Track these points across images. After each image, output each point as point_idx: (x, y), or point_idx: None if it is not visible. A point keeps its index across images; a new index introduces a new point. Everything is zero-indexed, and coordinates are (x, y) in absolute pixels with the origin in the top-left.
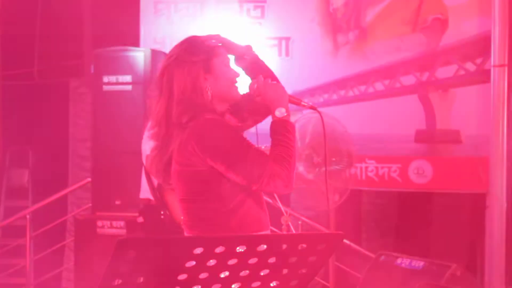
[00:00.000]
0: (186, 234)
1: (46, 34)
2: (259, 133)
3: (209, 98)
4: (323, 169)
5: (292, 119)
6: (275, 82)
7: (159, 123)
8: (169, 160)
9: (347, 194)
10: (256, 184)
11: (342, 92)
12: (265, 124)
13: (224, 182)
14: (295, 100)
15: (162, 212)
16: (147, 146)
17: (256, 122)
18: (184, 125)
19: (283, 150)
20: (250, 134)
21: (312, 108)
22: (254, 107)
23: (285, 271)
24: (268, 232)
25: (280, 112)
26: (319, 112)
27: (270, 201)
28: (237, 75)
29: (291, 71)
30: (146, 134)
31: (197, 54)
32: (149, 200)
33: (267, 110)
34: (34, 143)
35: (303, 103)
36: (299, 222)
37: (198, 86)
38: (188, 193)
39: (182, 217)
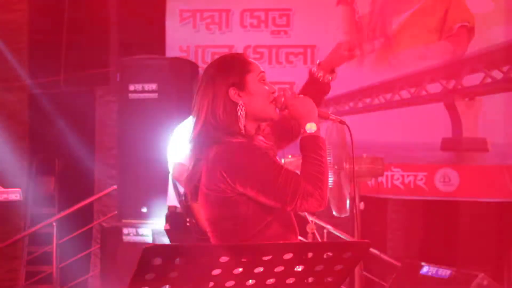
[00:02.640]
0: (212, 242)
1: (73, 43)
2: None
3: (243, 118)
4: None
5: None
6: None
7: (192, 146)
8: (198, 182)
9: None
10: (290, 206)
11: (368, 100)
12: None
13: (252, 207)
14: (324, 114)
15: (188, 220)
16: (174, 154)
17: (289, 142)
18: (210, 146)
19: (315, 169)
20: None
21: (341, 122)
22: (282, 125)
23: (311, 279)
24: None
25: (311, 127)
26: (348, 126)
27: (300, 212)
28: (274, 90)
29: None
30: (172, 142)
31: (229, 72)
32: (175, 207)
33: (296, 128)
34: (60, 151)
35: (331, 117)
36: (325, 231)
37: (231, 105)
38: (215, 216)
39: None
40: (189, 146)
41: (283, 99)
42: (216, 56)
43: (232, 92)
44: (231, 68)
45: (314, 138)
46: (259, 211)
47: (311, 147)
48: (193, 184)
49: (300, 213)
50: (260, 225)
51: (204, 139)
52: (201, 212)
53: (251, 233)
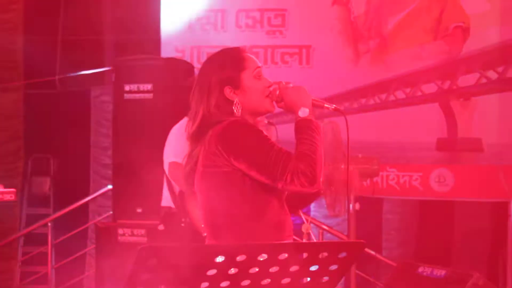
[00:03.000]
0: (207, 242)
1: (68, 43)
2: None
3: (239, 114)
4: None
5: None
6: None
7: (191, 141)
8: (195, 165)
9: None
10: (280, 182)
11: (363, 100)
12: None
13: (248, 184)
14: (318, 103)
15: (183, 220)
16: (169, 154)
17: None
18: (207, 132)
19: (306, 148)
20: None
21: (336, 110)
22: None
23: (306, 279)
24: (291, 238)
25: (303, 112)
26: (344, 114)
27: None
28: (269, 84)
29: (311, 80)
30: (168, 142)
31: (224, 70)
32: (170, 208)
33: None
34: (55, 151)
35: (326, 105)
36: (320, 231)
37: (226, 103)
38: (210, 197)
39: (202, 225)
40: (187, 142)
41: (278, 92)
42: None
43: (228, 90)
44: (226, 66)
45: (306, 121)
46: (254, 190)
47: (303, 129)
48: (189, 166)
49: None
50: (256, 206)
51: (201, 131)
52: (196, 212)
53: (247, 216)
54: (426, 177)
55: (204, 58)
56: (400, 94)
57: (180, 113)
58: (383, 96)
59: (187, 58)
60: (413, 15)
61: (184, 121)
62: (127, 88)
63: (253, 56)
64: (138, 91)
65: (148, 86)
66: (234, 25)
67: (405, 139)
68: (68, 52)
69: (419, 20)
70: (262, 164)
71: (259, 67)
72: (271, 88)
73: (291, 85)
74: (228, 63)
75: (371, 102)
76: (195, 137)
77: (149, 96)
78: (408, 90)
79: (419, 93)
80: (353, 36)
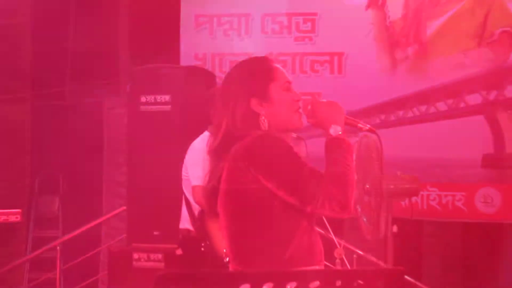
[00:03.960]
0: (230, 268)
1: (79, 51)
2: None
3: (265, 129)
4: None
5: None
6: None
7: (213, 156)
8: (218, 183)
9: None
10: (310, 205)
11: (401, 113)
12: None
13: (276, 205)
14: (352, 121)
15: (203, 244)
16: (193, 175)
17: None
18: (231, 147)
19: (338, 169)
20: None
21: (371, 130)
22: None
23: None
24: (322, 266)
25: (334, 130)
26: (378, 135)
27: (322, 231)
28: (298, 98)
29: (344, 90)
30: (189, 161)
31: (251, 80)
32: (189, 230)
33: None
34: (65, 168)
35: (360, 125)
36: (354, 256)
37: (253, 117)
38: (235, 218)
39: (225, 250)
40: (208, 158)
41: (309, 106)
42: None
43: (254, 102)
44: (253, 77)
45: (338, 141)
46: (283, 213)
47: (335, 149)
48: (211, 184)
49: (324, 217)
50: (285, 230)
51: (224, 147)
52: (218, 235)
53: (275, 240)
54: (470, 197)
55: (227, 67)
56: (441, 106)
57: (201, 127)
58: (423, 108)
59: (208, 67)
60: (455, 19)
61: (205, 136)
62: (143, 99)
63: (283, 69)
64: (155, 103)
65: (166, 97)
66: (259, 31)
67: (447, 156)
68: (79, 60)
69: (462, 24)
70: (292, 184)
71: (289, 81)
72: (300, 103)
73: (324, 100)
74: (256, 73)
75: (410, 114)
76: (218, 153)
77: (167, 108)
78: (450, 101)
79: (463, 105)
80: (389, 42)
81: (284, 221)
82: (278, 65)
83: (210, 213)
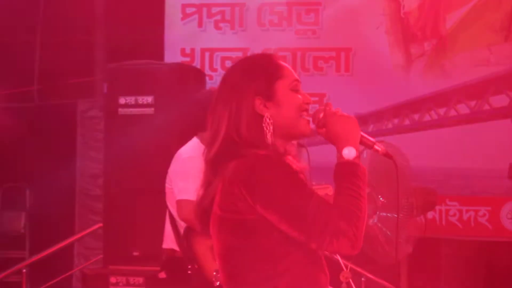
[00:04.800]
0: None
1: (49, 46)
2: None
3: (270, 133)
4: (388, 214)
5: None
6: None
7: (208, 168)
8: (212, 202)
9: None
10: (316, 243)
11: (416, 116)
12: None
13: (275, 237)
14: (368, 142)
15: (189, 266)
16: (177, 183)
17: None
18: (229, 162)
19: (351, 202)
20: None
21: (387, 156)
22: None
23: None
24: None
25: (349, 153)
26: (395, 162)
27: (326, 252)
28: (308, 101)
29: (352, 90)
30: (175, 171)
31: (254, 76)
32: (173, 251)
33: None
34: (33, 180)
35: (376, 146)
36: (362, 279)
37: (256, 118)
38: (230, 247)
39: (215, 273)
40: (204, 168)
41: (322, 115)
42: (229, 62)
43: (258, 102)
44: (258, 73)
45: (352, 166)
46: (283, 243)
47: (348, 176)
48: (202, 208)
49: (330, 254)
50: (285, 262)
51: (222, 157)
52: (207, 255)
53: (272, 272)
54: (496, 213)
55: (218, 64)
56: (463, 108)
57: (189, 133)
58: (442, 110)
59: (197, 64)
60: (478, 10)
61: (193, 143)
62: (122, 101)
63: (290, 68)
64: (136, 105)
65: (148, 99)
66: (255, 23)
67: (469, 165)
68: (50, 56)
69: (486, 16)
70: (297, 218)
71: (298, 80)
72: (309, 107)
73: (339, 111)
74: (261, 70)
75: (427, 118)
76: (214, 165)
77: (150, 111)
78: (473, 103)
79: (487, 107)
80: (403, 36)
81: (284, 255)
82: (285, 63)
83: (201, 231)
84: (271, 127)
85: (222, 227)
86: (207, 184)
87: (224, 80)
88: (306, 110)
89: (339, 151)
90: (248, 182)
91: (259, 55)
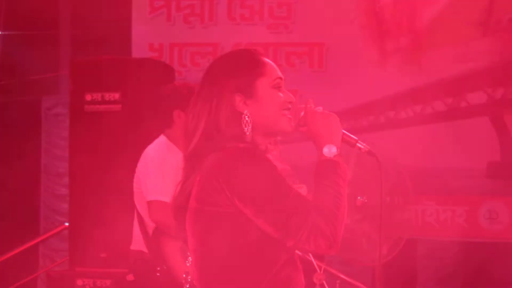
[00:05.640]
0: None
1: (10, 39)
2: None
3: (249, 130)
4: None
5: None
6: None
7: (186, 163)
8: (189, 197)
9: (400, 246)
10: (293, 240)
11: (392, 113)
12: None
13: (253, 232)
14: (350, 139)
15: (158, 268)
16: (146, 183)
17: None
18: (207, 156)
19: (329, 200)
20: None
21: (370, 153)
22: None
23: None
24: None
25: (330, 151)
26: (379, 161)
27: (299, 253)
28: (291, 100)
29: (325, 86)
30: (142, 170)
31: (235, 73)
32: (142, 252)
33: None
34: None
35: (358, 144)
36: (337, 281)
37: (236, 116)
38: (204, 242)
39: (184, 275)
40: (183, 165)
41: (302, 113)
42: (198, 57)
43: (238, 99)
44: (239, 70)
45: (332, 164)
46: (262, 240)
47: (328, 174)
48: (182, 198)
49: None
50: (261, 260)
51: (200, 151)
52: (177, 257)
53: (248, 270)
54: (473, 212)
55: (187, 59)
56: (439, 106)
57: (156, 130)
58: (418, 108)
59: (165, 59)
60: (455, 5)
61: (161, 141)
62: (88, 97)
63: (274, 65)
64: (103, 102)
65: (115, 95)
66: (225, 17)
67: (446, 164)
68: (11, 50)
69: (464, 10)
70: (274, 214)
71: (280, 77)
72: (291, 105)
73: (320, 109)
74: (242, 66)
75: (403, 115)
76: (192, 160)
77: (117, 107)
78: (449, 100)
79: (464, 104)
80: (378, 31)
81: (261, 251)
82: (268, 60)
83: (176, 232)
84: (250, 125)
85: (198, 220)
86: (184, 179)
87: (206, 75)
88: (288, 108)
89: (320, 149)
90: (226, 174)
91: (242, 51)
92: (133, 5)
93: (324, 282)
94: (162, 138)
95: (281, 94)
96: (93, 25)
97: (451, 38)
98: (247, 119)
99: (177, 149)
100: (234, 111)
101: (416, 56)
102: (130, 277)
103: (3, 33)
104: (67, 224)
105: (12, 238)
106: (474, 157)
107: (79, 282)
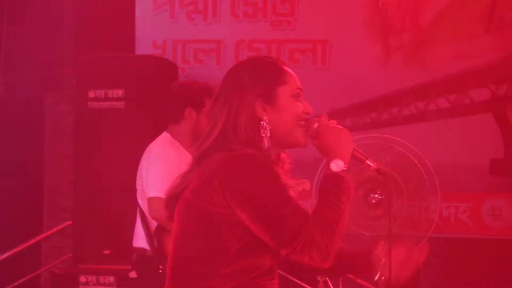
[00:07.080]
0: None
1: (15, 36)
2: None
3: (267, 137)
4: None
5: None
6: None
7: (195, 160)
8: (184, 190)
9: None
10: (287, 249)
11: (395, 110)
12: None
13: (239, 236)
14: (360, 155)
15: (161, 266)
16: (148, 180)
17: None
18: (213, 155)
19: (329, 214)
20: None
21: (379, 172)
22: None
23: None
24: None
25: (336, 165)
26: (387, 179)
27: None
28: (308, 111)
29: (328, 83)
30: (146, 167)
31: (259, 78)
32: (144, 250)
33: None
34: None
35: (368, 162)
36: (340, 278)
37: (254, 120)
38: (188, 233)
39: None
40: (192, 161)
41: (316, 125)
42: (202, 54)
43: (258, 104)
44: (263, 76)
45: (337, 178)
46: (247, 245)
47: (331, 189)
48: (178, 189)
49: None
50: (241, 265)
51: (211, 149)
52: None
53: (226, 272)
54: (476, 209)
55: (190, 56)
56: (442, 102)
57: (160, 127)
58: (421, 104)
59: (168, 56)
60: (459, 1)
61: (164, 137)
62: (91, 94)
63: (295, 74)
64: (106, 99)
65: (119, 92)
66: (229, 14)
67: (449, 160)
68: (14, 47)
69: (467, 7)
70: (271, 220)
71: (300, 88)
72: (307, 116)
73: (333, 123)
74: (266, 73)
75: (406, 112)
76: (201, 157)
77: (120, 104)
78: (453, 96)
79: (467, 101)
80: (382, 27)
81: (243, 256)
82: (290, 70)
83: (170, 223)
84: (268, 132)
85: (188, 211)
86: (187, 173)
87: (228, 76)
88: (305, 119)
89: (328, 162)
90: (228, 177)
91: (266, 57)
92: (136, 2)
93: (328, 279)
94: (165, 135)
95: (299, 104)
96: (96, 22)
97: (455, 35)
98: (265, 125)
99: (180, 146)
100: (253, 116)
101: (420, 52)
102: (133, 274)
103: (6, 29)
104: (70, 221)
105: (15, 235)
106: (477, 154)
107: (82, 278)
